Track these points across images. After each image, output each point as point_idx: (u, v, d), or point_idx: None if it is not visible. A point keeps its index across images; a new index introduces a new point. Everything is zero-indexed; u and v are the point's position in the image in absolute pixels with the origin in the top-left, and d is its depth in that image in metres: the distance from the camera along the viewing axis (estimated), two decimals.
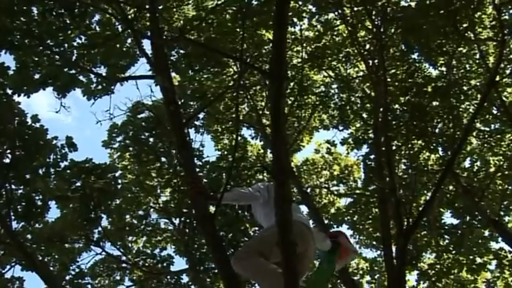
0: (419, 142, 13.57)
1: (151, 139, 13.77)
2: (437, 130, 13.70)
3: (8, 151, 11.84)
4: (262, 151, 14.81)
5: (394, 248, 10.64)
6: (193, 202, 6.62)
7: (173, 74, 11.69)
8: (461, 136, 10.99)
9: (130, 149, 13.93)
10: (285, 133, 4.87)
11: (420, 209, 11.38)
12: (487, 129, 14.28)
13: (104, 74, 11.61)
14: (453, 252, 14.61)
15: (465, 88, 13.37)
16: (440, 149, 13.77)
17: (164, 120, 11.79)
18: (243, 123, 14.32)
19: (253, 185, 6.18)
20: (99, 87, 11.90)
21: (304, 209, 12.44)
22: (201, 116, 14.22)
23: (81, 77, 11.64)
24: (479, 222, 14.13)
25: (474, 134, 14.18)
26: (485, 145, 14.51)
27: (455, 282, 14.99)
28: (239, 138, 14.26)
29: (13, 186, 12.06)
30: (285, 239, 4.23)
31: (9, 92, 11.40)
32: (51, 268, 12.93)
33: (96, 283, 13.98)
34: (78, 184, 12.75)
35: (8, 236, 11.30)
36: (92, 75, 11.69)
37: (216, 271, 12.25)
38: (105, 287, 14.00)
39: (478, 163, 14.71)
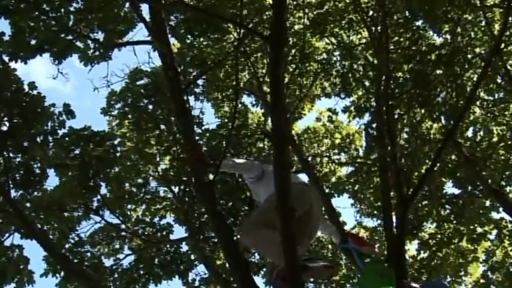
0: (422, 111, 13.54)
1: (150, 106, 13.73)
2: (440, 99, 13.66)
3: (5, 119, 11.82)
4: (262, 119, 14.78)
5: (394, 218, 10.70)
6: (193, 169, 6.64)
7: (172, 41, 11.62)
8: (463, 104, 10.96)
9: (129, 116, 13.88)
10: (285, 99, 4.88)
11: (421, 177, 11.39)
12: (491, 98, 14.25)
13: (101, 40, 11.56)
14: (454, 222, 14.70)
15: (469, 56, 13.29)
16: (443, 118, 13.75)
17: (163, 87, 11.77)
18: (243, 91, 14.30)
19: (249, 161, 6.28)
20: (96, 53, 11.85)
21: (304, 177, 12.46)
22: (200, 83, 14.21)
23: (78, 43, 11.59)
24: (480, 192, 14.18)
25: (478, 103, 14.17)
26: (489, 115, 14.51)
27: (456, 251, 15.10)
28: (239, 105, 14.29)
29: (11, 155, 12.08)
30: (283, 204, 4.25)
31: (6, 59, 11.38)
32: (50, 237, 12.96)
33: (96, 251, 13.99)
34: (77, 152, 12.75)
35: (7, 204, 11.35)
36: (89, 41, 11.64)
37: (216, 240, 12.32)
38: (105, 256, 14.02)
39: (481, 133, 14.71)
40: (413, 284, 5.13)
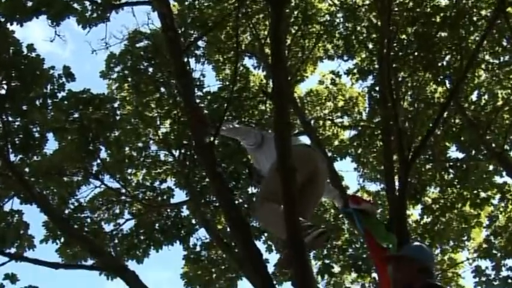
0: (426, 74, 13.51)
1: (150, 69, 13.65)
2: (444, 62, 13.64)
3: (4, 82, 11.81)
4: (264, 81, 14.74)
5: (397, 182, 10.75)
6: (193, 131, 6.67)
7: (172, 1, 11.54)
8: (466, 64, 10.94)
9: (129, 79, 13.83)
10: (285, 57, 4.88)
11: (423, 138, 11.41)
12: (496, 61, 14.19)
13: (99, 1, 11.50)
14: (457, 186, 14.71)
15: (475, 19, 13.22)
16: (447, 81, 13.74)
17: (163, 49, 11.73)
18: (244, 53, 14.26)
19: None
20: (94, 15, 11.80)
21: (306, 140, 12.47)
22: (201, 45, 14.15)
23: (75, 5, 11.53)
24: (484, 157, 14.20)
25: (482, 66, 14.13)
26: (494, 78, 14.46)
27: (459, 216, 15.14)
28: (241, 68, 14.24)
29: (10, 118, 12.09)
30: (284, 164, 4.26)
31: (2, 20, 11.32)
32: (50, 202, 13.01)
33: (96, 217, 14.03)
34: (76, 115, 12.74)
35: (6, 167, 11.40)
36: (87, 2, 11.57)
37: (217, 204, 12.36)
38: (105, 221, 14.07)
39: (486, 96, 14.67)
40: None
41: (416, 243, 5.28)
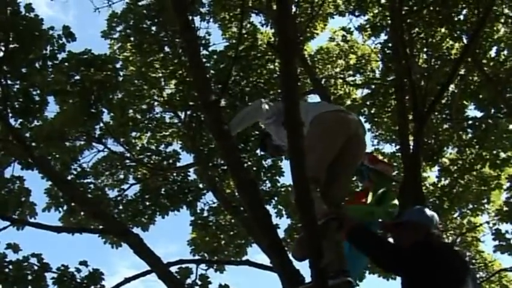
0: (442, 29, 13.53)
1: (153, 28, 13.70)
2: (461, 16, 13.63)
3: (2, 44, 11.90)
4: (272, 39, 14.77)
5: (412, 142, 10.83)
6: (199, 90, 6.75)
7: None
8: (482, 15, 10.95)
9: (132, 39, 13.89)
10: (291, 6, 4.92)
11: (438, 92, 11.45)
12: None
13: None
14: (476, 146, 14.77)
15: None
16: (464, 36, 13.72)
17: (167, 6, 11.76)
18: (251, 9, 14.25)
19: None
20: None
21: (318, 100, 12.53)
22: (206, 2, 14.15)
23: None
24: (503, 115, 14.22)
25: (502, 20, 14.10)
26: None
27: (478, 178, 15.22)
28: (248, 25, 14.26)
29: (8, 82, 12.19)
30: (291, 118, 4.34)
31: None
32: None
33: (99, 183, 14.21)
34: (77, 77, 12.84)
35: (7, 132, 11.54)
36: None
37: (225, 167, 12.45)
38: (109, 187, 14.22)
39: (505, 52, 14.63)
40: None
41: (418, 206, 5.29)
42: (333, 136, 5.41)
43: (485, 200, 15.66)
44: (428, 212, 4.76)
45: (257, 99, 6.58)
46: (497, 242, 14.91)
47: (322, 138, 5.35)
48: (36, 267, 11.58)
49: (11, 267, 11.50)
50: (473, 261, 16.42)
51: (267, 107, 6.15)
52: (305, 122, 5.05)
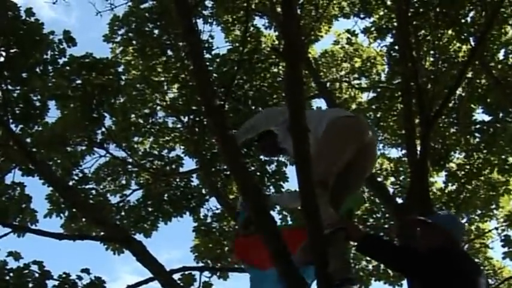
0: (449, 31, 13.53)
1: (156, 31, 13.74)
2: (468, 18, 13.64)
3: (2, 48, 11.94)
4: (276, 42, 14.78)
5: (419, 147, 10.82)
6: (201, 93, 6.75)
7: None
8: (489, 17, 10.94)
9: (134, 42, 13.93)
10: (296, 9, 4.92)
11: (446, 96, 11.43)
12: None
13: None
14: (484, 151, 14.72)
15: None
16: (471, 39, 13.72)
17: (169, 9, 11.78)
18: (255, 12, 14.26)
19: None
20: None
21: (323, 104, 12.57)
22: (209, 5, 14.18)
23: None
24: None
25: (510, 22, 14.09)
26: None
27: (486, 183, 15.15)
28: (251, 28, 14.28)
29: (9, 87, 12.24)
30: (297, 124, 4.35)
31: None
32: None
33: (101, 188, 14.21)
34: (79, 81, 12.85)
35: (7, 137, 11.57)
36: None
37: (229, 172, 12.44)
38: (111, 193, 14.21)
39: None
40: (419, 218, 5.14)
41: (448, 212, 5.30)
42: (346, 141, 5.38)
43: (493, 206, 15.57)
44: (459, 222, 4.76)
45: (269, 108, 6.52)
46: (506, 249, 14.84)
47: (335, 143, 5.32)
48: (37, 275, 11.58)
49: (11, 274, 11.51)
50: (482, 268, 16.38)
51: (275, 110, 6.14)
52: (319, 129, 5.08)
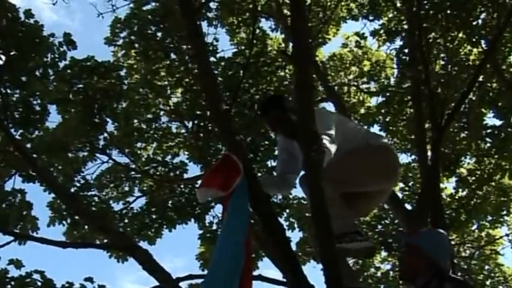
0: (460, 34, 13.49)
1: (159, 34, 13.72)
2: (480, 20, 13.61)
3: (1, 51, 11.92)
4: (283, 45, 14.75)
5: (429, 152, 10.80)
6: (207, 98, 6.72)
7: None
8: (504, 20, 10.91)
9: (136, 45, 13.90)
10: (305, 11, 4.89)
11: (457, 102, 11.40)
12: None
13: None
14: (495, 156, 14.69)
15: None
16: (483, 41, 13.69)
17: (173, 11, 11.76)
18: (261, 14, 14.25)
19: None
20: None
21: (331, 108, 12.53)
22: (214, 7, 14.16)
23: None
24: None
25: None
26: None
27: (497, 189, 15.14)
28: (257, 30, 14.25)
29: (8, 91, 12.21)
30: (306, 130, 4.32)
31: None
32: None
33: (103, 195, 14.18)
34: (80, 85, 12.83)
35: (8, 142, 11.53)
36: None
37: None
38: (113, 200, 14.18)
39: None
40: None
41: (433, 231, 5.17)
42: (378, 177, 5.32)
43: (504, 212, 15.61)
44: (444, 240, 4.63)
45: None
46: None
47: (366, 169, 5.24)
48: (39, 284, 11.55)
49: (13, 283, 11.48)
50: (492, 275, 16.36)
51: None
52: (338, 134, 5.03)
